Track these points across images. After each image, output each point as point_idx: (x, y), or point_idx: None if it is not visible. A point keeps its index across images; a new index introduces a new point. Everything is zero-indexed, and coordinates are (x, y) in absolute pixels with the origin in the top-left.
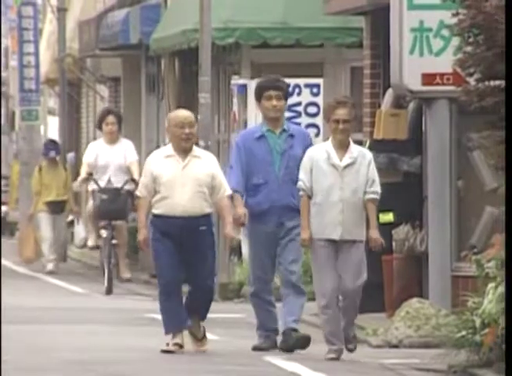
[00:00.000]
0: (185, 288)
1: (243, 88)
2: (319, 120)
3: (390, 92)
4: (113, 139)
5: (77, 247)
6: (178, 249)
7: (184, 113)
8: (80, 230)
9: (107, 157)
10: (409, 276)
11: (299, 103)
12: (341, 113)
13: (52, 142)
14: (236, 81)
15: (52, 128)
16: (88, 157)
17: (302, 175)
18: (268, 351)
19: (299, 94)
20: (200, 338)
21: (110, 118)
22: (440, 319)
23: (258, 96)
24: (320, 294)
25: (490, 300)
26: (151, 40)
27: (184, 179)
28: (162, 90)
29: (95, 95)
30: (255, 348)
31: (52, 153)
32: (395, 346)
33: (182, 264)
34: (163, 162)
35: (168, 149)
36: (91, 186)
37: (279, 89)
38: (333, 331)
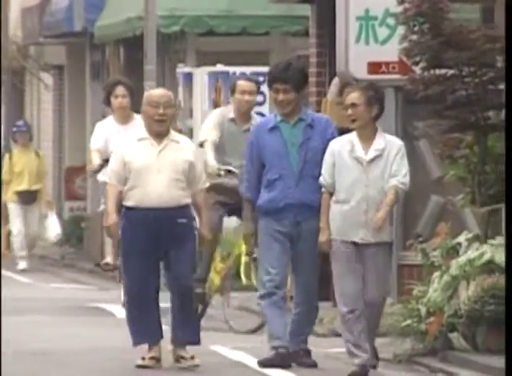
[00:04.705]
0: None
1: (189, 77)
2: (265, 109)
3: (336, 80)
4: (125, 116)
5: (51, 242)
6: (153, 246)
7: (160, 92)
8: (53, 224)
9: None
10: None
11: None
12: (349, 97)
13: (21, 120)
14: (182, 69)
15: None
16: (96, 143)
17: (324, 170)
18: (278, 367)
19: None
20: (190, 357)
21: (120, 89)
22: (386, 308)
23: (269, 87)
24: (341, 300)
25: (435, 289)
26: (95, 27)
27: (160, 165)
28: (107, 78)
29: (38, 83)
30: (262, 363)
31: (23, 128)
32: (341, 335)
33: (157, 265)
34: (135, 146)
35: (141, 131)
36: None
37: (287, 82)
38: (356, 342)
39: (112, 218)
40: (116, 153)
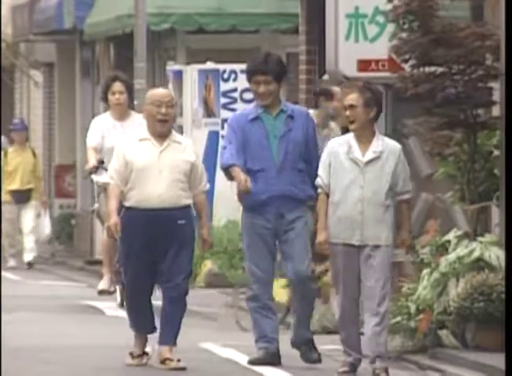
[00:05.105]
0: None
1: (179, 74)
2: None
3: (325, 78)
4: (122, 113)
5: (42, 243)
6: (151, 247)
7: (163, 91)
8: (45, 223)
9: (116, 138)
10: None
11: (235, 89)
12: (347, 98)
13: (19, 119)
14: (172, 66)
15: None
16: (92, 140)
17: (320, 170)
18: (268, 365)
19: (235, 80)
20: (176, 359)
21: (117, 86)
22: None
23: (248, 80)
24: (339, 301)
25: (425, 286)
26: (85, 25)
27: (162, 165)
28: (97, 76)
29: (28, 80)
30: (252, 362)
31: (19, 126)
32: (332, 332)
33: (153, 266)
34: (137, 146)
35: (143, 131)
36: (102, 178)
37: (267, 73)
38: (349, 341)
39: (113, 218)
40: (117, 153)
